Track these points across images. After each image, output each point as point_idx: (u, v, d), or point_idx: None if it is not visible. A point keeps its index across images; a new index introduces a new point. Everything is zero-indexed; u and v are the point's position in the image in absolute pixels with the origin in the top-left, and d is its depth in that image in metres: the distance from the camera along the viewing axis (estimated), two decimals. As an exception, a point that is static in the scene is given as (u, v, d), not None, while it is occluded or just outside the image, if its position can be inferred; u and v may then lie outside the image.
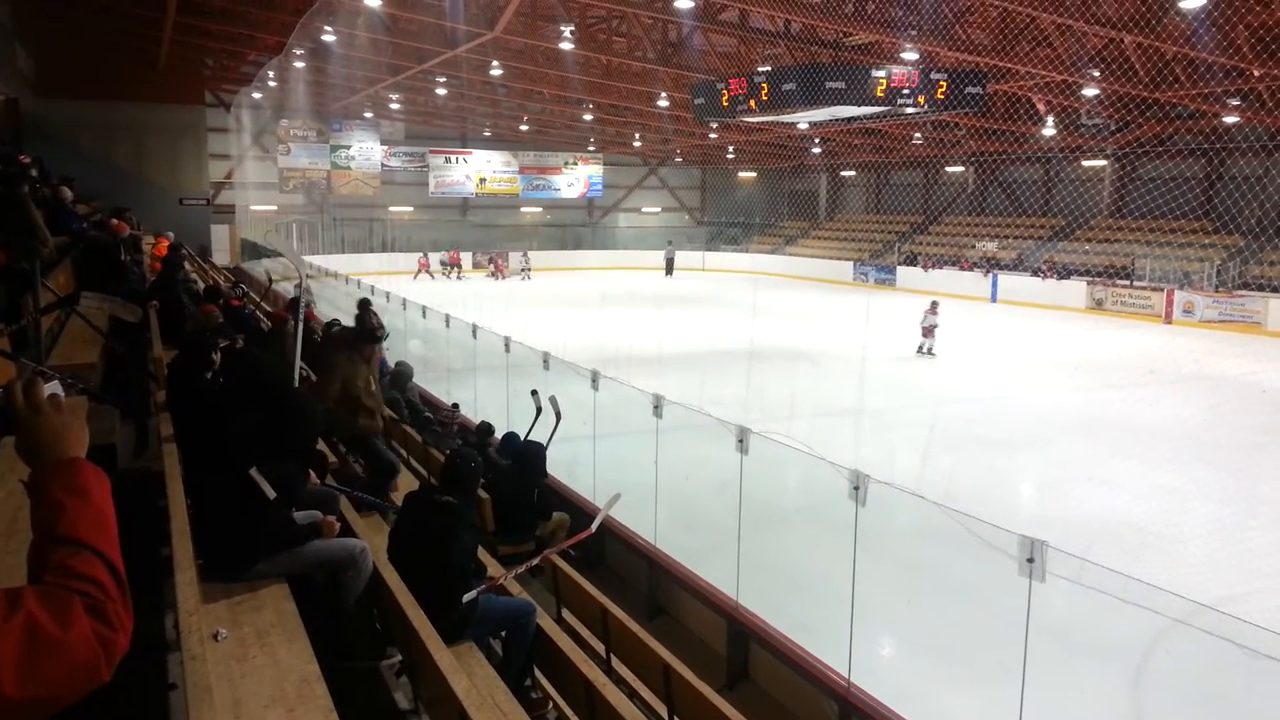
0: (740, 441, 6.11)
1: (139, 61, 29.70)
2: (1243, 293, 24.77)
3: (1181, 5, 16.37)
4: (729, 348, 20.34)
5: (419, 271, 36.57)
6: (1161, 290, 26.55)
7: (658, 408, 7.32)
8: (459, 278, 37.18)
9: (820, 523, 6.44)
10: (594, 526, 5.40)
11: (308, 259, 28.28)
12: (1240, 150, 26.88)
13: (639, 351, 18.98)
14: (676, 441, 7.67)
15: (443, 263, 37.89)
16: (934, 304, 20.14)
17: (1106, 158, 30.72)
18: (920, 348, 19.75)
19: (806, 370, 18.17)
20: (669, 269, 41.17)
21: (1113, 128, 28.24)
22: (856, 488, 5.09)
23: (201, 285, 12.93)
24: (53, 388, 1.62)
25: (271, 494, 3.87)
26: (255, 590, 3.85)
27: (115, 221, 12.85)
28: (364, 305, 8.05)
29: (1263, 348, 21.70)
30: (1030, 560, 3.87)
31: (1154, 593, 4.04)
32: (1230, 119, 24.07)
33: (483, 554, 5.02)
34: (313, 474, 4.82)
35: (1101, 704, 5.84)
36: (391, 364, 12.75)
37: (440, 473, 4.81)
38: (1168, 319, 25.96)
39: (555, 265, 40.31)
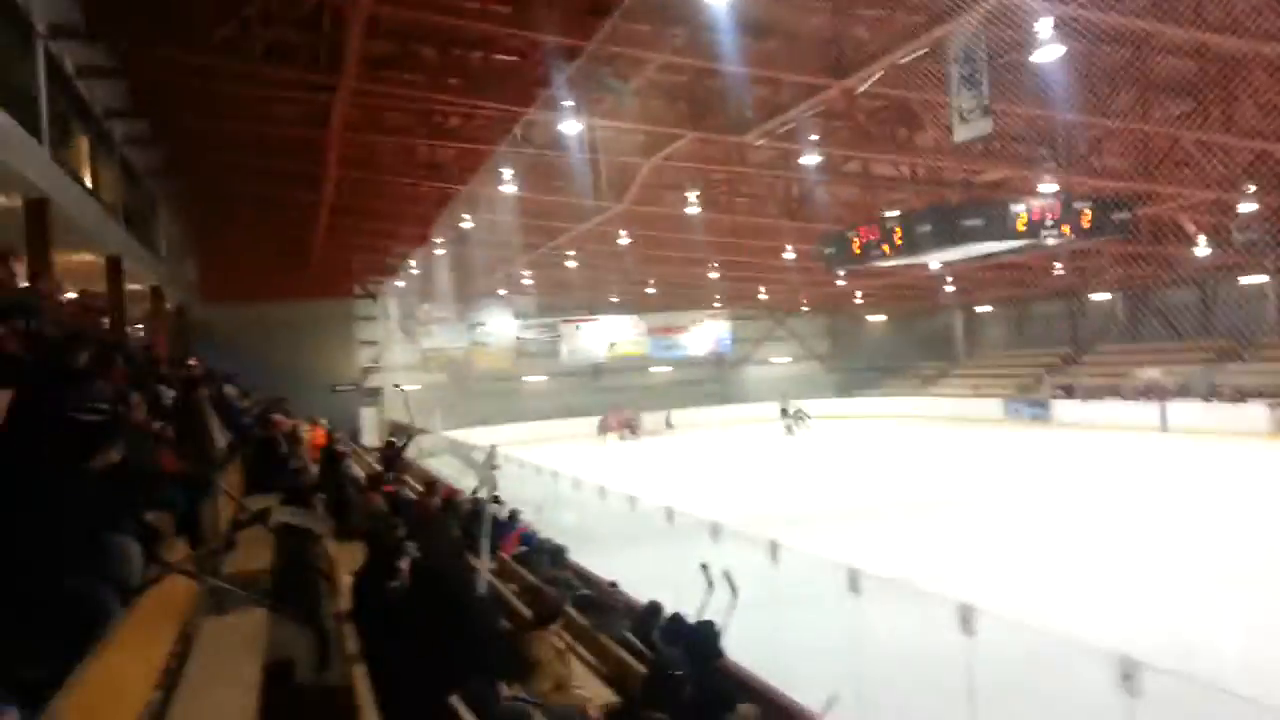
0: (964, 621, 5.34)
1: (293, 263, 31.86)
2: None
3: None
4: (899, 499, 19.07)
5: (616, 430, 37.80)
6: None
7: (852, 582, 6.61)
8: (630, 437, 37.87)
9: (1076, 711, 5.50)
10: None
11: (449, 434, 28.92)
12: None
13: (797, 509, 18.11)
14: (875, 610, 6.82)
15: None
16: None
17: (1268, 272, 28.87)
18: None
19: (986, 518, 16.84)
20: (792, 425, 36.95)
21: (1272, 241, 26.61)
22: (1126, 677, 4.19)
23: (360, 473, 13.05)
24: None
25: (476, 726, 3.43)
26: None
27: (276, 418, 13.26)
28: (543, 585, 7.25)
29: None
30: None
31: None
32: None
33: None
34: (504, 688, 4.37)
35: None
36: (540, 536, 12.41)
37: (642, 689, 4.28)
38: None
39: (687, 423, 40.11)
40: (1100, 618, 9.15)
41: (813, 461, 26.79)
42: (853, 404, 42.81)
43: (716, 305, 45.48)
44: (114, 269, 14.45)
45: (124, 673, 3.36)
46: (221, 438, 9.38)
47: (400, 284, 35.65)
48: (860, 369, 47.26)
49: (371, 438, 32.68)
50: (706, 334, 46.23)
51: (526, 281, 36.57)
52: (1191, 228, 25.39)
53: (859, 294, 41.05)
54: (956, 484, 20.51)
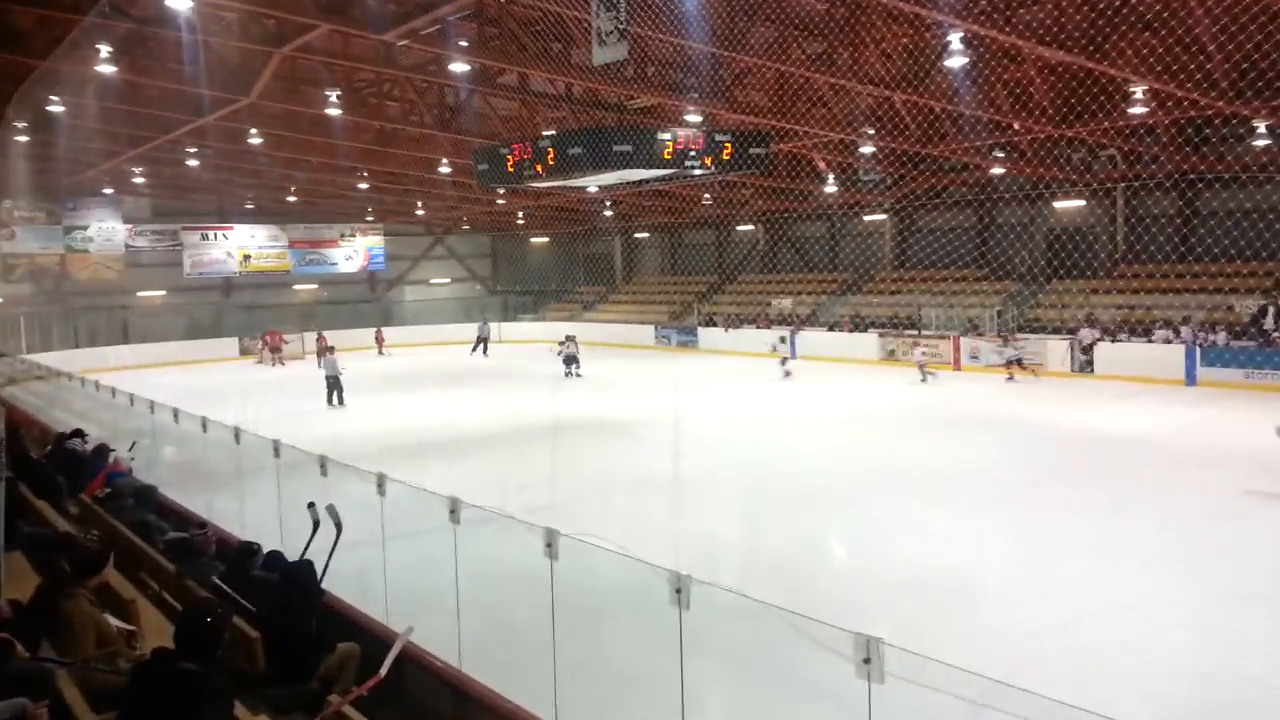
0: (549, 546, 5.29)
1: None
2: (1022, 336, 25.84)
3: (945, 64, 16.68)
4: (532, 424, 19.17)
5: (273, 354, 34.23)
6: (948, 338, 27.38)
7: (454, 512, 6.39)
8: (281, 363, 34.04)
9: (641, 620, 6.08)
10: (383, 670, 4.80)
11: (37, 358, 24.69)
12: (1007, 200, 28.43)
13: (435, 436, 17.91)
14: (479, 538, 6.67)
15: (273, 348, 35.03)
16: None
17: (885, 212, 31.83)
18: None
19: (614, 442, 17.49)
20: (483, 348, 35.64)
21: (889, 182, 29.22)
22: (679, 591, 4.45)
23: None
24: None
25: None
26: None
27: None
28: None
29: (1042, 388, 22.59)
30: (867, 660, 3.51)
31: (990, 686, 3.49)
32: (996, 170, 25.27)
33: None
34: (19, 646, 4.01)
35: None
36: (136, 479, 10.79)
37: (175, 634, 4.10)
38: (956, 366, 26.74)
39: (337, 346, 37.46)
40: (674, 538, 9.85)
41: (449, 388, 26.15)
42: (515, 328, 42.40)
43: (369, 220, 42.74)
44: None
45: None
46: None
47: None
48: (522, 292, 46.95)
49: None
50: (357, 250, 43.30)
51: (139, 180, 31.87)
52: (822, 165, 27.13)
53: (520, 215, 40.38)
54: (582, 411, 20.95)
